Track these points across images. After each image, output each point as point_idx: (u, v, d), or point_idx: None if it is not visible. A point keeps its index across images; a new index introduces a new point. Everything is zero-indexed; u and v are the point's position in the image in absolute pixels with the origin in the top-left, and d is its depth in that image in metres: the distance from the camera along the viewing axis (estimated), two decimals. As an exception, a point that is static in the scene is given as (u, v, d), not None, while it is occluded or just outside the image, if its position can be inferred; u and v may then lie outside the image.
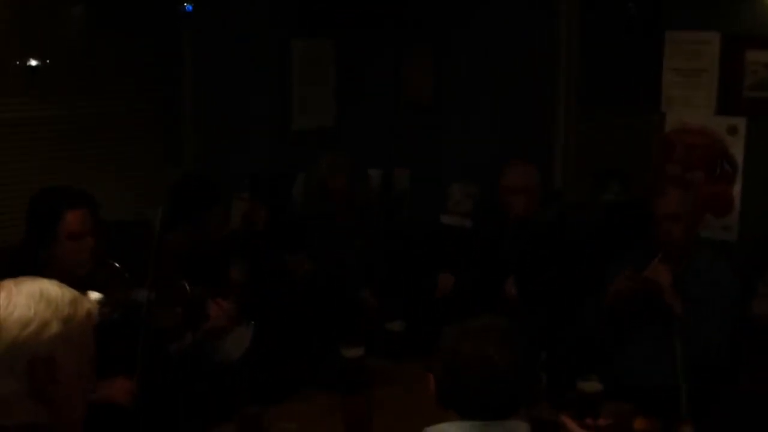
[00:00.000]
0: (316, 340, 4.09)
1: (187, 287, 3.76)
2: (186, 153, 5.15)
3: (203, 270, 3.96)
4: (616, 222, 4.70)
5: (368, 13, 5.45)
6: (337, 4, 5.39)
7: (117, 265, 3.56)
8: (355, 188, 4.71)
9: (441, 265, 4.59)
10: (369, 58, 5.63)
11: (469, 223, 5.14)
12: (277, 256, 4.44)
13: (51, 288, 1.92)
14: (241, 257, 4.18)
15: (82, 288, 3.32)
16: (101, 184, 4.29)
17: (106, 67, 4.91)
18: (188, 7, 4.99)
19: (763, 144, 4.51)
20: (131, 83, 5.05)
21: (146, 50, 5.10)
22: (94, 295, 3.35)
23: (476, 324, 2.25)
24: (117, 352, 3.28)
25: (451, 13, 5.34)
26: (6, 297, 1.85)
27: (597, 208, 5.14)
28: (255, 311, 3.97)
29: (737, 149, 4.56)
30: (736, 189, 4.57)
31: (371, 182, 5.37)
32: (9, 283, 1.89)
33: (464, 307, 4.20)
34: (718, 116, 4.60)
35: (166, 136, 5.18)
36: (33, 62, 4.70)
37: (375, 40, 5.57)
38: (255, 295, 4.03)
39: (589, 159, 5.38)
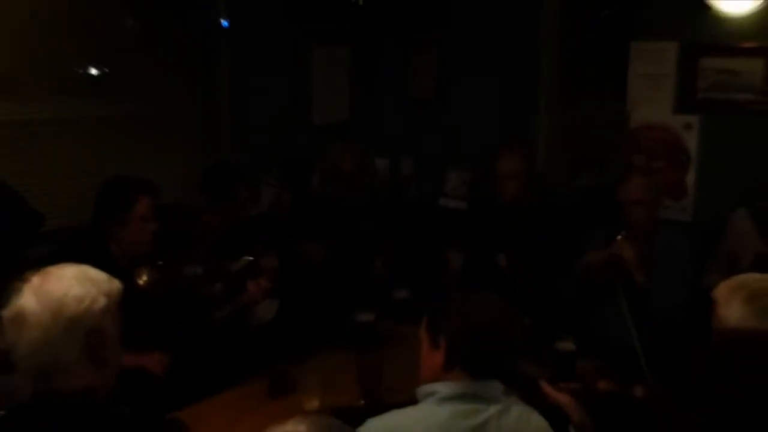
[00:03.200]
0: (334, 306, 4.10)
1: (229, 266, 3.81)
2: (223, 145, 5.16)
3: (237, 246, 3.99)
4: (589, 204, 4.71)
5: (377, 24, 5.44)
6: (351, 17, 5.38)
7: (170, 245, 3.60)
8: (362, 172, 4.70)
9: (440, 242, 4.60)
10: (377, 62, 5.63)
11: (464, 205, 5.16)
12: (297, 241, 4.42)
13: (90, 269, 1.96)
14: (270, 242, 4.16)
15: (143, 263, 3.39)
16: (152, 172, 4.30)
17: (156, 74, 4.91)
18: (225, 22, 4.99)
19: (714, 138, 4.53)
20: (177, 87, 5.05)
21: (190, 58, 5.10)
22: (150, 270, 3.41)
23: (481, 297, 2.26)
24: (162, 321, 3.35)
25: (449, 23, 5.33)
26: (58, 280, 1.88)
27: (573, 191, 5.16)
28: (282, 285, 3.99)
29: (692, 142, 4.58)
30: (691, 177, 4.59)
31: (378, 167, 5.36)
32: (53, 269, 1.92)
33: (463, 279, 4.22)
34: (676, 114, 4.62)
35: (206, 131, 5.18)
36: (96, 69, 4.72)
37: (383, 47, 5.57)
38: (282, 272, 4.03)
39: (566, 148, 5.39)
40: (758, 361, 1.37)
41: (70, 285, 1.87)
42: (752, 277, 2.38)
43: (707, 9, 4.39)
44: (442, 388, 2.13)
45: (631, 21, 4.75)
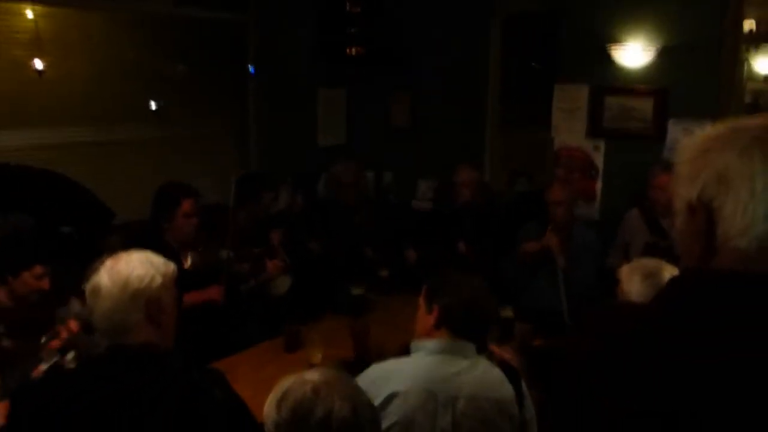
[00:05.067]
0: (334, 282, 4.07)
1: (253, 250, 3.77)
2: (252, 160, 5.13)
3: (261, 236, 3.95)
4: (524, 205, 4.70)
5: (367, 72, 5.41)
6: (347, 67, 5.35)
7: (204, 233, 3.56)
8: (358, 182, 4.68)
9: (412, 234, 4.58)
10: (367, 100, 5.57)
11: (430, 206, 5.13)
12: (304, 237, 4.37)
13: (151, 254, 1.94)
14: (284, 229, 4.13)
15: (187, 248, 3.35)
16: (198, 180, 4.27)
17: (202, 105, 4.88)
18: (252, 69, 4.94)
19: (616, 157, 4.51)
20: (217, 116, 5.02)
21: (226, 94, 5.06)
22: (193, 253, 3.38)
23: (468, 277, 2.24)
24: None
25: (419, 72, 5.30)
26: (126, 262, 1.86)
27: (511, 195, 5.15)
28: (294, 266, 3.97)
29: (599, 160, 4.56)
30: (599, 185, 4.58)
31: (368, 179, 5.34)
32: (123, 254, 1.90)
33: (433, 261, 4.20)
34: (588, 138, 4.58)
35: (239, 149, 5.15)
36: (156, 103, 4.68)
37: (371, 89, 5.53)
38: (293, 257, 4.00)
39: (506, 163, 5.37)
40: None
41: (134, 267, 1.85)
42: (647, 261, 2.38)
43: (611, 60, 4.37)
44: (430, 344, 2.12)
45: (554, 69, 4.71)
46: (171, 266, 1.95)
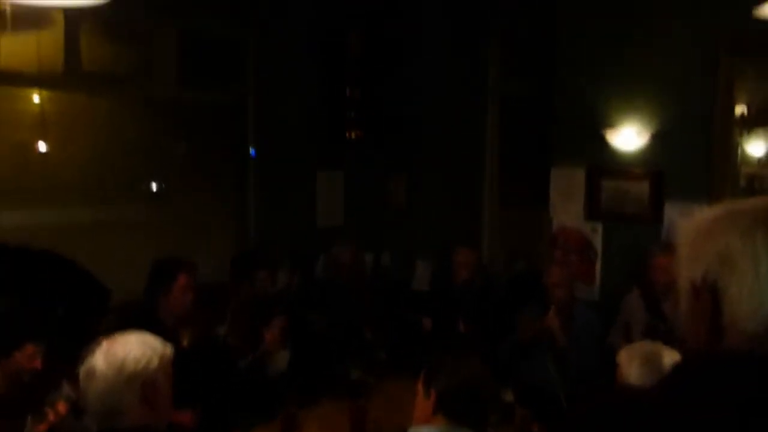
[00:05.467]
0: (332, 363, 4.01)
1: (251, 325, 3.73)
2: (250, 240, 5.13)
3: (259, 316, 3.91)
4: (522, 286, 4.69)
5: (364, 155, 5.50)
6: (345, 150, 5.44)
7: (204, 312, 3.53)
8: (356, 263, 4.68)
9: (415, 313, 4.54)
10: (365, 181, 5.64)
11: (428, 287, 5.11)
12: (303, 312, 4.35)
13: (148, 336, 1.93)
14: (283, 311, 4.10)
15: (183, 324, 3.31)
16: (194, 259, 4.26)
17: (200, 184, 4.93)
18: (252, 151, 5.03)
19: (614, 239, 4.54)
20: (215, 195, 5.06)
21: (226, 175, 5.12)
22: (189, 330, 3.34)
23: (465, 360, 2.21)
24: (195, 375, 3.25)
25: (417, 153, 5.39)
26: (122, 344, 1.85)
27: (510, 276, 5.14)
28: (293, 342, 3.91)
29: (598, 242, 4.58)
30: (597, 267, 4.59)
31: (366, 260, 5.34)
32: (120, 336, 1.89)
33: (433, 341, 4.16)
34: (586, 221, 4.62)
35: (238, 229, 5.17)
36: (156, 182, 4.73)
37: (369, 169, 5.61)
38: (292, 331, 3.96)
39: (504, 244, 5.39)
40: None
41: (131, 348, 1.85)
42: (646, 345, 2.37)
43: (607, 144, 4.46)
44: (427, 430, 2.08)
45: (551, 152, 4.81)
46: (168, 348, 1.94)
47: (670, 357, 2.15)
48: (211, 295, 3.91)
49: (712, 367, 0.96)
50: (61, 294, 3.65)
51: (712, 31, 4.08)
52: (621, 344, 3.82)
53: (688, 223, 1.05)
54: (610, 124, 4.43)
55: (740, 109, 5.26)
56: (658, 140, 4.32)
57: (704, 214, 1.04)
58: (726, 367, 0.95)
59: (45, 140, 4.05)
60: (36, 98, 4.07)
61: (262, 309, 3.97)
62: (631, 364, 2.23)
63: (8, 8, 3.67)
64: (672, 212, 4.27)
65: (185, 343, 3.29)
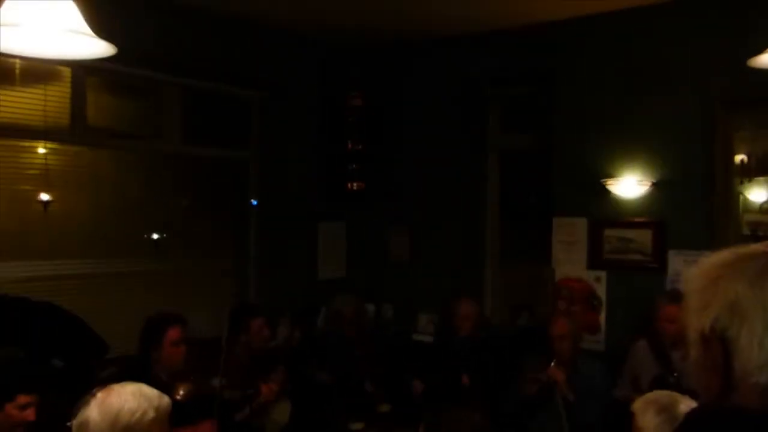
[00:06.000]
0: (333, 417, 3.95)
1: (246, 376, 3.68)
2: (251, 292, 5.11)
3: (258, 370, 3.87)
4: (526, 339, 4.64)
5: (366, 207, 5.53)
6: (345, 202, 5.47)
7: (199, 366, 3.49)
8: (359, 315, 4.65)
9: (414, 367, 4.49)
10: (367, 233, 5.65)
11: (431, 339, 5.07)
12: (304, 365, 4.30)
13: (144, 387, 1.91)
14: (283, 365, 4.05)
15: (177, 378, 3.27)
16: (194, 312, 4.23)
17: (200, 237, 4.94)
18: (254, 202, 5.05)
19: (617, 288, 4.51)
20: (216, 248, 5.07)
21: (227, 227, 5.14)
22: (184, 384, 3.30)
23: (465, 414, 2.17)
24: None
25: (418, 208, 5.42)
26: (117, 396, 1.83)
27: (514, 328, 5.09)
28: (295, 396, 3.85)
29: (601, 291, 4.56)
30: (602, 317, 4.55)
31: (368, 312, 5.30)
32: (116, 387, 1.87)
33: (436, 394, 4.10)
34: (589, 270, 4.61)
35: (238, 282, 5.15)
36: (155, 235, 4.73)
37: (371, 221, 5.62)
38: (294, 386, 3.90)
39: (507, 296, 5.36)
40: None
41: (126, 400, 1.82)
42: (661, 394, 2.32)
43: (608, 193, 4.48)
44: None
45: (553, 203, 4.83)
46: (165, 399, 1.91)
47: (686, 405, 2.10)
48: (210, 349, 3.87)
49: (725, 424, 0.94)
50: (58, 346, 3.62)
51: (710, 83, 4.15)
52: (630, 396, 3.77)
53: (696, 270, 1.04)
54: (611, 174, 4.46)
55: (740, 157, 5.31)
56: (659, 189, 4.34)
57: (711, 260, 1.03)
58: (738, 425, 0.92)
59: (48, 192, 4.08)
60: (40, 150, 4.12)
61: (261, 362, 3.93)
62: (646, 414, 2.18)
63: (17, 63, 3.77)
64: (675, 261, 4.26)
65: (179, 396, 3.24)
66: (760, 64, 2.49)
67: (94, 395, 1.84)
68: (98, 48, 1.85)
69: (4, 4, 1.69)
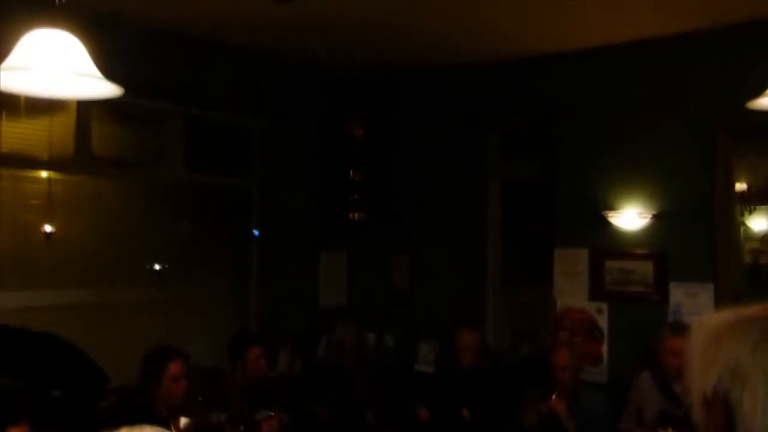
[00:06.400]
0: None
1: (246, 412, 3.67)
2: (252, 320, 5.10)
3: (259, 399, 3.85)
4: (528, 368, 4.63)
5: (367, 235, 5.55)
6: (347, 230, 5.48)
7: (199, 398, 3.49)
8: (360, 345, 4.64)
9: (414, 398, 4.47)
10: (368, 261, 5.66)
11: (432, 369, 5.05)
12: (305, 401, 4.28)
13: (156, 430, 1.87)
14: (282, 395, 4.03)
15: (178, 413, 3.26)
16: (195, 342, 4.24)
17: (202, 265, 4.95)
18: (256, 232, 5.07)
19: (619, 318, 4.52)
20: (217, 276, 5.08)
21: (229, 256, 5.16)
22: (184, 420, 3.29)
23: None
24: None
25: (419, 235, 5.43)
26: None
27: (515, 359, 5.08)
28: (293, 429, 3.83)
29: (603, 322, 4.56)
30: (604, 348, 4.54)
31: (369, 341, 5.28)
32: (125, 429, 1.84)
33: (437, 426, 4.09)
34: (590, 301, 4.61)
35: (239, 311, 5.15)
36: (157, 265, 4.75)
37: (372, 250, 5.63)
38: (293, 419, 3.88)
39: (508, 326, 5.35)
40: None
41: None
42: None
43: (609, 225, 4.50)
44: None
45: (554, 233, 4.84)
46: None
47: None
48: (211, 379, 3.87)
49: None
50: (58, 376, 3.62)
51: (710, 114, 4.19)
52: (633, 429, 3.76)
53: (698, 329, 1.04)
54: (612, 206, 4.48)
55: (740, 187, 5.34)
56: (660, 220, 4.36)
57: (713, 320, 1.03)
58: None
59: (50, 222, 4.11)
60: (44, 179, 4.15)
61: (261, 393, 3.91)
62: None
63: (21, 97, 3.81)
64: (678, 293, 4.27)
65: (178, 430, 3.23)
66: (758, 106, 2.53)
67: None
68: (106, 89, 1.88)
69: (16, 48, 1.72)
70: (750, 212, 5.90)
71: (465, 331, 4.45)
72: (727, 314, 1.02)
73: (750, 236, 6.02)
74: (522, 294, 5.46)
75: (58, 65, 1.74)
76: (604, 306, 4.54)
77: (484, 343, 4.71)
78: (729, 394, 0.96)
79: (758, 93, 2.65)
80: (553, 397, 3.73)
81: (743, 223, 5.94)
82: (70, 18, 1.82)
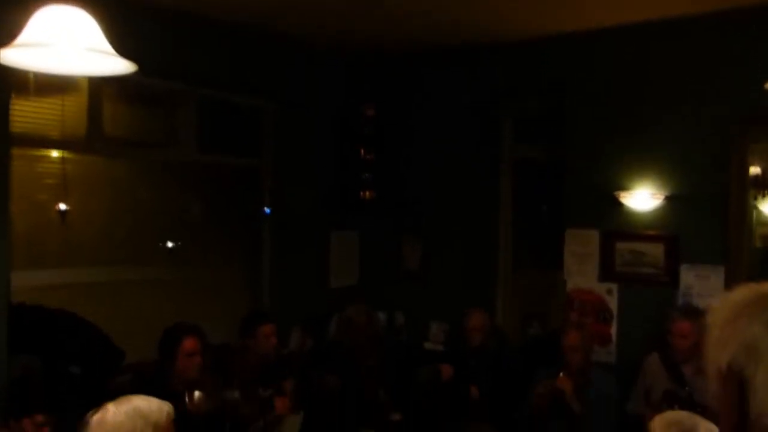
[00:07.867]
0: (345, 425, 3.97)
1: (260, 390, 3.71)
2: (264, 299, 5.14)
3: (271, 377, 3.90)
4: (538, 349, 4.65)
5: (379, 214, 5.56)
6: (358, 211, 5.50)
7: (214, 374, 3.53)
8: (370, 323, 4.66)
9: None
10: (380, 241, 5.68)
11: (442, 348, 5.08)
12: (315, 374, 4.32)
13: (141, 402, 1.87)
14: (294, 372, 4.07)
15: (192, 388, 3.31)
16: (208, 320, 4.27)
17: (214, 245, 4.99)
18: (267, 210, 5.10)
19: (629, 300, 4.51)
20: (229, 256, 5.11)
21: (240, 235, 5.18)
22: (198, 393, 3.33)
23: (473, 423, 2.18)
24: None
25: (430, 217, 5.44)
26: (113, 414, 1.81)
27: (525, 340, 5.10)
28: (306, 404, 3.88)
29: (613, 303, 4.56)
30: (613, 328, 4.55)
31: (379, 319, 5.31)
32: (110, 406, 1.85)
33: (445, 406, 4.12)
34: (600, 282, 4.61)
35: (251, 289, 5.19)
36: (172, 243, 4.79)
37: (383, 230, 5.65)
38: (303, 395, 3.92)
39: (518, 307, 5.36)
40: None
41: (121, 421, 1.80)
42: (682, 415, 2.29)
43: (620, 206, 4.48)
44: None
45: (566, 214, 4.83)
46: (164, 411, 1.88)
47: (706, 429, 2.10)
48: (224, 355, 3.91)
49: None
50: (75, 354, 3.67)
51: (726, 98, 4.15)
52: (642, 410, 3.78)
53: (717, 305, 1.05)
54: (624, 187, 4.47)
55: (754, 171, 5.29)
56: (672, 203, 4.34)
57: (733, 296, 1.04)
58: None
59: (65, 201, 4.14)
60: (57, 159, 4.18)
61: (273, 371, 3.95)
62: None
63: (32, 75, 3.83)
64: (688, 276, 4.26)
65: (190, 403, 3.27)
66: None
67: (99, 409, 1.83)
68: (120, 66, 1.89)
69: (29, 25, 1.74)
70: (763, 196, 5.86)
71: (474, 312, 4.48)
72: (747, 291, 1.03)
73: (762, 221, 5.97)
74: (532, 276, 5.46)
75: (71, 41, 1.75)
76: (614, 287, 4.55)
77: (494, 325, 4.73)
78: (743, 371, 0.97)
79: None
80: (561, 375, 3.74)
81: (755, 207, 5.90)
82: (83, -3, 1.83)
